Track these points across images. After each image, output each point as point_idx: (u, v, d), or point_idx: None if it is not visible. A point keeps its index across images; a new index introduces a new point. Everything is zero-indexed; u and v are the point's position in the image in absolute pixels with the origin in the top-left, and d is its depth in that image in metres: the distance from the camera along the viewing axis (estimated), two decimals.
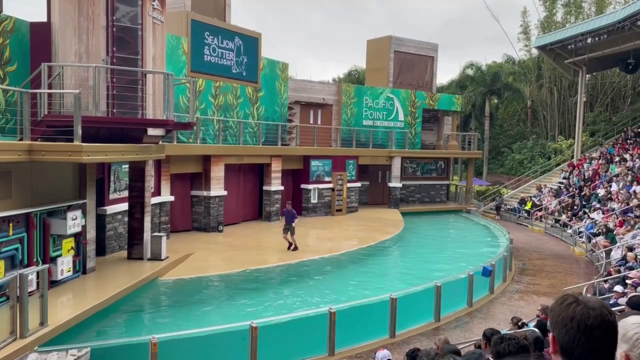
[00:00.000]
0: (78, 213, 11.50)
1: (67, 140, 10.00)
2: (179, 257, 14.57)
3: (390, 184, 27.43)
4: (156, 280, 12.86)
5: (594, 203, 24.04)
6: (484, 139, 40.14)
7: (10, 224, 9.84)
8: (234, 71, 21.06)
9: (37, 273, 9.20)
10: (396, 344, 10.21)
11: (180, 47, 18.56)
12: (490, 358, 3.92)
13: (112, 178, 14.69)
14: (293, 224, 16.25)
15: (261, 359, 8.49)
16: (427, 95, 29.37)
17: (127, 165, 14.45)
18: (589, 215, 22.59)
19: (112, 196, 14.69)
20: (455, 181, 34.14)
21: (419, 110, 29.06)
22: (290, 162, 22.90)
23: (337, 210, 24.38)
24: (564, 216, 25.02)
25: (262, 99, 22.67)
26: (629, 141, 30.76)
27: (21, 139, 10.20)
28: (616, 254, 16.43)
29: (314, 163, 23.65)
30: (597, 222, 21.30)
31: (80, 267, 12.10)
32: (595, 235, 19.86)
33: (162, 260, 13.88)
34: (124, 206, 14.59)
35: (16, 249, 10.05)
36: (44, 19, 12.08)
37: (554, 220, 25.71)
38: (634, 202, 20.93)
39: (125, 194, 14.57)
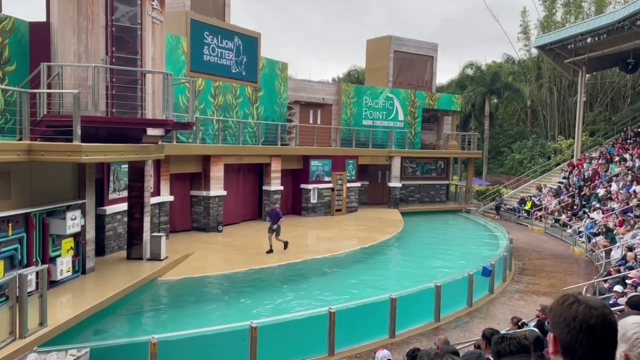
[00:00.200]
0: (77, 213, 11.49)
1: (66, 140, 10.00)
2: (179, 257, 14.56)
3: (390, 184, 27.43)
4: (156, 280, 12.86)
5: (593, 203, 24.04)
6: (484, 138, 40.14)
7: (10, 224, 9.83)
8: (233, 71, 21.05)
9: (37, 273, 9.20)
10: (396, 344, 10.20)
11: (180, 47, 18.55)
12: (490, 358, 3.92)
13: (111, 178, 14.68)
14: (279, 224, 16.00)
15: (261, 359, 8.48)
16: (426, 95, 29.37)
17: (127, 165, 14.44)
18: (588, 215, 22.59)
19: (111, 196, 14.68)
20: (455, 181, 34.13)
21: (419, 110, 29.06)
22: (289, 162, 22.89)
23: (337, 210, 24.37)
24: (563, 216, 25.02)
25: (262, 98, 22.66)
26: (628, 141, 30.75)
27: (20, 139, 10.20)
28: (616, 253, 16.43)
29: (313, 163, 23.64)
30: (597, 221, 21.30)
31: (80, 267, 12.10)
32: (595, 235, 19.86)
33: (161, 260, 13.87)
34: (124, 206, 14.58)
35: (15, 249, 10.04)
36: (43, 18, 12.08)
37: (553, 220, 25.71)
38: (634, 201, 20.93)
39: (125, 194, 14.56)
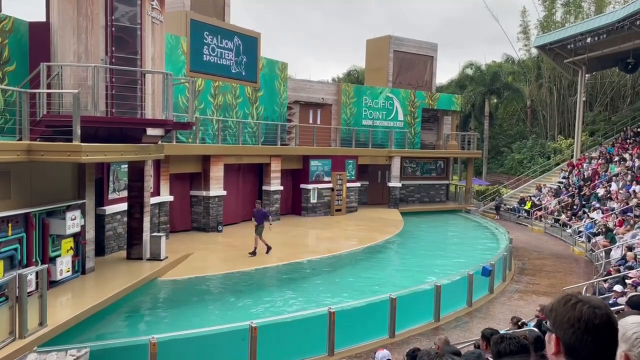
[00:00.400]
0: (77, 213, 11.49)
1: (66, 140, 9.99)
2: (179, 257, 14.56)
3: (390, 184, 27.42)
4: (155, 280, 12.85)
5: (593, 203, 24.04)
6: (484, 138, 40.14)
7: (10, 224, 9.83)
8: (233, 71, 21.05)
9: (36, 273, 9.20)
10: (396, 344, 10.20)
11: (180, 47, 18.55)
12: (490, 358, 3.91)
13: (111, 178, 14.68)
14: (264, 225, 15.63)
15: (261, 359, 8.48)
16: (426, 95, 29.36)
17: (126, 165, 14.44)
18: (588, 215, 22.60)
19: (111, 196, 14.68)
20: (454, 181, 34.13)
21: (419, 110, 29.06)
22: (289, 162, 22.89)
23: (337, 210, 24.37)
24: (563, 216, 25.02)
25: (262, 98, 22.66)
26: (628, 141, 30.76)
27: (20, 139, 10.20)
28: (616, 253, 16.44)
29: (313, 163, 23.64)
30: (597, 221, 21.30)
31: (80, 267, 12.09)
32: (595, 234, 19.86)
33: (161, 260, 13.87)
34: (123, 206, 14.58)
35: (15, 249, 10.04)
36: (43, 18, 12.07)
37: (553, 220, 25.71)
38: (634, 201, 20.94)
39: (125, 194, 14.56)
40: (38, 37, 12.04)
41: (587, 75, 33.33)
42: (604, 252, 17.40)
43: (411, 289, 11.83)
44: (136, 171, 13.93)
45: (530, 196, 30.12)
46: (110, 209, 14.56)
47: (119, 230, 15.01)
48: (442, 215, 27.84)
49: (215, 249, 16.65)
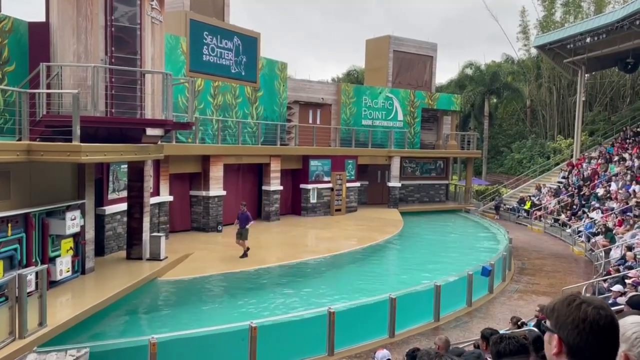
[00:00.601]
0: (77, 213, 11.49)
1: (65, 140, 9.99)
2: (178, 257, 14.56)
3: (390, 184, 27.43)
4: (155, 280, 12.85)
5: (593, 202, 24.04)
6: (483, 138, 40.15)
7: (9, 224, 9.83)
8: (232, 71, 21.05)
9: (36, 273, 9.21)
10: (396, 343, 10.21)
11: (179, 47, 18.54)
12: (489, 358, 3.92)
13: (111, 178, 14.68)
14: (247, 227, 15.12)
15: (260, 359, 8.48)
16: (426, 94, 29.36)
17: (126, 165, 14.43)
18: (588, 215, 22.60)
19: (111, 196, 14.67)
20: (454, 181, 34.13)
21: (418, 110, 29.06)
22: (289, 162, 22.89)
23: (336, 210, 24.37)
24: (563, 216, 25.03)
25: (261, 98, 22.66)
26: (628, 140, 30.76)
27: (20, 139, 10.19)
28: (615, 253, 16.44)
29: (313, 163, 23.64)
30: (597, 221, 21.31)
31: (79, 268, 12.09)
32: (595, 234, 19.87)
33: (161, 260, 13.87)
34: (123, 206, 14.58)
35: (15, 249, 10.04)
36: (43, 18, 12.06)
37: (553, 220, 25.71)
38: (633, 201, 20.95)
39: (124, 194, 14.56)
40: (38, 37, 12.03)
41: (586, 75, 33.33)
42: (603, 252, 17.41)
43: (411, 288, 11.84)
44: (136, 171, 13.92)
45: (529, 196, 30.13)
46: (110, 209, 14.56)
47: (119, 230, 15.01)
48: (441, 215, 27.84)
49: (215, 249, 16.64)
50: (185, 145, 18.39)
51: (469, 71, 43.69)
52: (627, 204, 21.10)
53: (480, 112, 40.65)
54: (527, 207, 28.65)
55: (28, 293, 8.47)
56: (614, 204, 22.20)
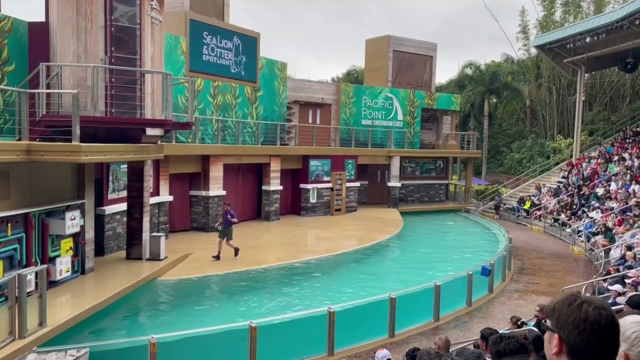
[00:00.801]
0: (77, 213, 11.48)
1: (65, 140, 9.99)
2: (178, 257, 14.56)
3: (389, 184, 27.42)
4: (155, 280, 12.85)
5: (593, 202, 24.04)
6: (483, 138, 40.16)
7: (9, 224, 9.83)
8: (232, 71, 21.05)
9: (36, 273, 9.20)
10: (395, 343, 10.20)
11: (179, 47, 18.54)
12: (489, 358, 3.92)
13: (110, 178, 14.67)
14: (232, 228, 15.02)
15: (260, 359, 8.48)
16: (426, 94, 29.36)
17: (126, 165, 14.43)
18: (587, 215, 22.60)
19: (110, 196, 14.67)
20: (454, 180, 34.14)
21: (418, 110, 29.06)
22: (289, 162, 22.89)
23: (336, 210, 24.37)
24: (563, 215, 25.03)
25: (261, 98, 22.66)
26: (627, 140, 30.77)
27: (19, 139, 10.19)
28: (615, 253, 16.44)
29: (313, 163, 23.64)
30: (596, 221, 21.31)
31: (79, 268, 12.09)
32: (594, 234, 19.87)
33: (160, 260, 13.87)
34: (123, 206, 14.57)
35: (15, 249, 10.03)
36: (42, 18, 12.06)
37: (553, 220, 25.72)
38: (633, 201, 20.95)
39: (124, 194, 14.55)
40: (37, 37, 12.02)
41: (586, 74, 33.34)
42: (603, 252, 17.41)
43: (411, 288, 11.83)
44: (136, 171, 13.92)
45: (529, 196, 30.13)
46: (109, 209, 14.55)
47: (119, 230, 15.00)
48: (441, 214, 27.84)
49: (214, 249, 16.59)
50: (185, 145, 18.39)
51: (468, 71, 43.71)
52: (627, 203, 21.10)
53: (480, 112, 40.66)
54: (526, 206, 28.66)
55: (28, 293, 8.46)
56: (613, 204, 22.21)
